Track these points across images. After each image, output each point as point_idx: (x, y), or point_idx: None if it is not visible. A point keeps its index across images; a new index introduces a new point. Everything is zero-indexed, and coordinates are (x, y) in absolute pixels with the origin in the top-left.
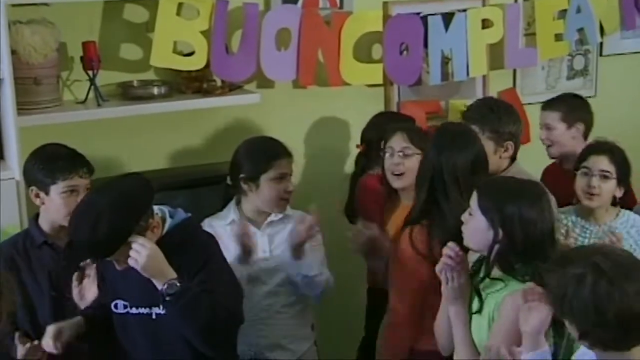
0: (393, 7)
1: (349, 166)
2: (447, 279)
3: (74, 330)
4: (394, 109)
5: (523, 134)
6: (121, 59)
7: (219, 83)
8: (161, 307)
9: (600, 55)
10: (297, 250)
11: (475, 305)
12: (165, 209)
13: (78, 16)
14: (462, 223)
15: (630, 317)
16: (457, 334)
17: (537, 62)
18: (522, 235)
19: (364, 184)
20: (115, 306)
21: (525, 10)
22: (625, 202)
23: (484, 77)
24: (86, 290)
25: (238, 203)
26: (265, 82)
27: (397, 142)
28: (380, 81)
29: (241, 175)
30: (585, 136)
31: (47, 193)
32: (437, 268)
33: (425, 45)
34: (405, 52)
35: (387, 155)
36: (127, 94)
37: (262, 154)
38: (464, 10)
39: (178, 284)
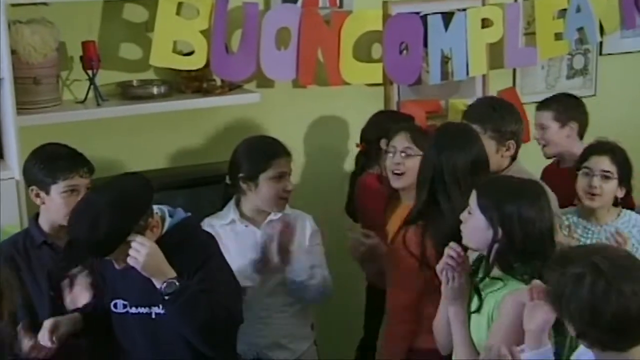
0: (393, 6)
1: (349, 165)
2: (448, 279)
3: (70, 326)
4: (394, 108)
5: (524, 133)
6: (121, 58)
7: (218, 82)
8: (160, 306)
9: (600, 54)
10: (283, 256)
11: (474, 304)
12: (165, 209)
13: (77, 16)
14: (456, 221)
15: (627, 318)
16: (456, 333)
17: (536, 62)
18: (522, 234)
19: (363, 183)
20: (115, 306)
21: (525, 9)
22: (625, 203)
23: (483, 76)
24: (77, 298)
25: (237, 203)
26: (265, 82)
27: (400, 141)
28: (380, 80)
29: (240, 175)
30: (581, 135)
31: (47, 193)
32: (439, 268)
33: (425, 44)
34: (405, 52)
35: (389, 154)
36: (126, 93)
37: (261, 153)
38: (464, 10)
39: (177, 283)
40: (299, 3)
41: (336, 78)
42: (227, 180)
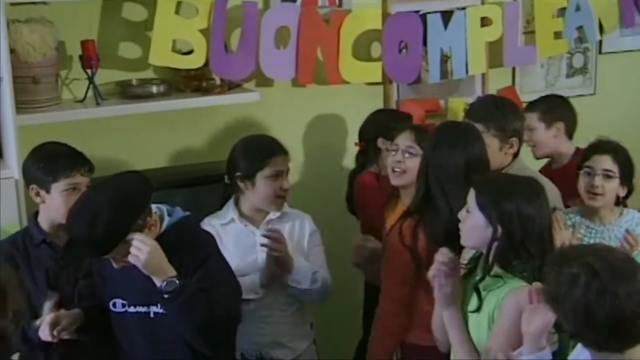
0: (392, 5)
1: (348, 164)
2: (440, 285)
3: (71, 320)
4: (393, 107)
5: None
6: (120, 57)
7: (218, 81)
8: (160, 304)
9: (600, 53)
10: (282, 267)
11: (473, 304)
12: (164, 208)
13: (77, 15)
14: (454, 220)
15: (620, 320)
16: (453, 337)
17: (536, 60)
18: (521, 231)
19: (361, 182)
20: (114, 305)
21: (525, 8)
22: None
23: (483, 75)
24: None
25: (236, 202)
26: (264, 81)
27: (404, 140)
28: (380, 79)
29: (237, 174)
30: (569, 135)
31: (47, 191)
32: (430, 274)
33: (425, 43)
34: (404, 50)
35: (392, 152)
36: (126, 92)
37: (258, 151)
38: (463, 9)
39: (177, 282)
40: (298, 2)
41: (335, 77)
42: (226, 180)
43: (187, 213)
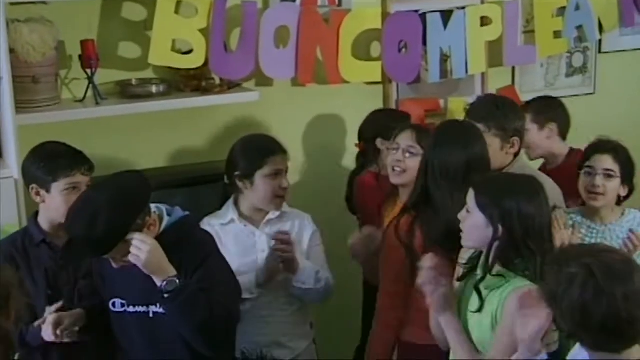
0: (392, 4)
1: (348, 164)
2: (431, 291)
3: (74, 320)
4: (393, 106)
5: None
6: (120, 57)
7: (217, 81)
8: (160, 304)
9: (599, 52)
10: (289, 266)
11: (475, 304)
12: (163, 207)
13: (76, 14)
14: (453, 219)
15: (617, 321)
16: (453, 340)
17: (536, 60)
18: (522, 230)
19: (361, 182)
20: (113, 305)
21: (524, 7)
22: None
23: (482, 74)
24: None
25: (236, 202)
26: (264, 80)
27: (405, 139)
28: (379, 79)
29: (236, 173)
30: (563, 136)
31: (48, 191)
32: (419, 281)
33: (424, 42)
34: (404, 50)
35: (392, 150)
36: (125, 92)
37: (256, 151)
38: (463, 8)
39: (178, 281)
40: (298, 1)
41: (335, 76)
42: (226, 180)
43: (187, 213)
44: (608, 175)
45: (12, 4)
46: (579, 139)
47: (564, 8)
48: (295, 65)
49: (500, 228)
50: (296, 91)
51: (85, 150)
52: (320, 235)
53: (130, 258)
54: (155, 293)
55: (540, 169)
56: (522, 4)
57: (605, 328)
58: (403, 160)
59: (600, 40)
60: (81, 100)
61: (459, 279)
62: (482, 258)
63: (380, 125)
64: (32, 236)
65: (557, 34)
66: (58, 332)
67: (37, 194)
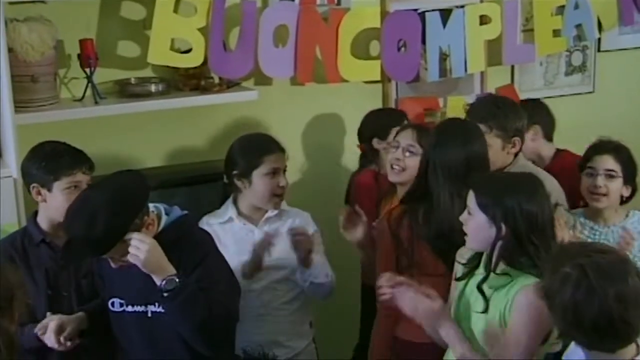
0: (391, 3)
1: (347, 163)
2: (412, 310)
3: (76, 325)
4: (392, 105)
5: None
6: (118, 56)
7: (216, 80)
8: (159, 303)
9: (599, 51)
10: (305, 260)
11: (479, 305)
12: (161, 207)
13: (75, 13)
14: (446, 217)
15: (609, 321)
16: (456, 351)
17: (535, 58)
18: (525, 227)
19: (357, 181)
20: (112, 304)
21: (523, 6)
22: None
23: (482, 73)
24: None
25: (235, 200)
26: (263, 79)
27: (405, 138)
28: (378, 78)
29: (234, 172)
30: (548, 137)
31: (49, 190)
32: (382, 299)
33: (423, 41)
34: (403, 49)
35: (392, 148)
36: (124, 91)
37: (254, 149)
38: (462, 7)
39: (177, 280)
40: (297, 0)
41: (334, 75)
42: (225, 179)
43: (185, 212)
44: (610, 175)
45: (10, 3)
46: (578, 137)
47: (563, 6)
48: (295, 64)
49: (503, 227)
50: (295, 90)
51: (84, 149)
52: (320, 234)
53: (130, 257)
54: (154, 293)
55: None
56: (522, 3)
57: (598, 328)
58: (402, 158)
59: (599, 39)
60: (80, 100)
61: (458, 279)
62: (485, 258)
63: (375, 126)
64: (32, 236)
65: (556, 33)
66: (61, 339)
67: (38, 193)
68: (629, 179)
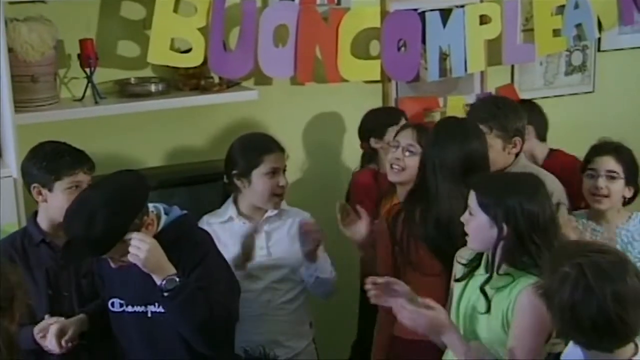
0: (391, 3)
1: (347, 162)
2: (409, 319)
3: (77, 328)
4: (392, 105)
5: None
6: (118, 56)
7: (216, 80)
8: (159, 303)
9: (599, 50)
10: (312, 254)
11: (482, 306)
12: (161, 206)
13: (75, 13)
14: (444, 216)
15: (607, 321)
16: (461, 355)
17: (535, 58)
18: (527, 227)
19: (356, 180)
20: (112, 304)
21: (523, 6)
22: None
23: (482, 73)
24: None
25: (235, 200)
26: (263, 79)
27: (405, 137)
28: (378, 77)
29: (234, 172)
30: (541, 137)
31: (50, 190)
32: (373, 302)
33: (423, 41)
34: (403, 49)
35: (392, 148)
36: (124, 91)
37: (253, 149)
38: (462, 6)
39: (177, 280)
40: (297, 0)
41: (334, 75)
42: (225, 179)
43: (185, 211)
44: (611, 176)
45: (10, 2)
46: (578, 137)
47: (563, 6)
48: (295, 64)
49: (504, 227)
50: (295, 90)
51: (84, 149)
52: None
53: (130, 257)
54: (154, 293)
55: None
56: (521, 3)
57: (596, 327)
58: (402, 158)
59: (599, 39)
60: (80, 100)
61: (458, 280)
62: (486, 258)
63: (372, 125)
64: (32, 236)
65: (556, 33)
66: (63, 343)
67: (39, 193)
68: (631, 180)
